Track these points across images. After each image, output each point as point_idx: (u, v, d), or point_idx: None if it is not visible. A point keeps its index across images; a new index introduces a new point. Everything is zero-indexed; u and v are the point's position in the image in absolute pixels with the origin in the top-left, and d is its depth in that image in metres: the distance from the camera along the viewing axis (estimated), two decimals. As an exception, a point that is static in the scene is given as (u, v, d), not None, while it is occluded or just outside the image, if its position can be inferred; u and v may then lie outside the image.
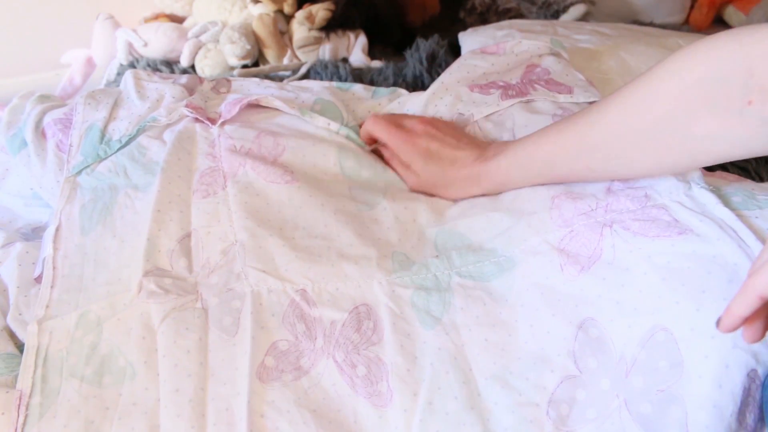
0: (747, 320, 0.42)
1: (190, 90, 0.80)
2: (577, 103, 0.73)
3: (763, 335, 0.43)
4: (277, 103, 0.74)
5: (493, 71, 0.79)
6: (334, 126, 0.72)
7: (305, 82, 0.85)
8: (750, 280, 0.41)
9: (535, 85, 0.75)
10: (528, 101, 0.73)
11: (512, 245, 0.61)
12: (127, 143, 0.70)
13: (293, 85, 0.84)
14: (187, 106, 0.73)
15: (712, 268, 0.51)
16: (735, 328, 0.43)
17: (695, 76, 0.50)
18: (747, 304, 0.41)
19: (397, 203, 0.67)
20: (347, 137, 0.72)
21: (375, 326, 0.57)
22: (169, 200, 0.64)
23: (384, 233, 0.64)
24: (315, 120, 0.72)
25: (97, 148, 0.70)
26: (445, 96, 0.77)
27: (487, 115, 0.73)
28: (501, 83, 0.77)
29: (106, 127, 0.73)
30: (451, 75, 0.80)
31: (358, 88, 0.83)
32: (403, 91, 0.83)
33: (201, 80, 0.84)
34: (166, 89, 0.77)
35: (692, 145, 0.53)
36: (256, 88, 0.82)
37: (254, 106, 0.74)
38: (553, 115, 0.70)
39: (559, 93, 0.74)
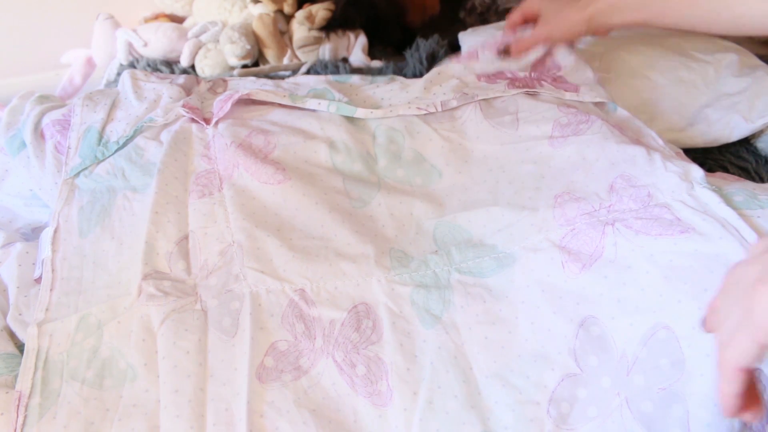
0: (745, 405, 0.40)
1: (188, 90, 0.80)
2: (581, 102, 0.72)
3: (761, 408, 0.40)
4: (268, 95, 0.73)
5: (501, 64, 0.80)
6: (324, 103, 0.71)
7: (301, 78, 0.84)
8: (721, 356, 0.39)
9: (542, 82, 0.75)
10: (534, 93, 0.73)
11: (513, 242, 0.61)
12: (125, 145, 0.70)
13: (290, 81, 0.84)
14: (183, 106, 0.72)
15: (715, 267, 0.51)
16: (739, 408, 0.40)
17: None
18: (732, 381, 0.39)
19: (392, 197, 0.66)
20: (337, 110, 0.71)
21: (374, 325, 0.57)
22: (167, 201, 0.64)
23: (380, 230, 0.64)
24: (306, 103, 0.72)
25: (95, 150, 0.70)
26: (451, 80, 0.76)
27: (490, 98, 0.73)
28: (509, 75, 0.77)
29: (103, 128, 0.73)
30: (459, 62, 0.80)
31: (356, 78, 0.83)
32: (401, 78, 0.83)
33: (198, 81, 0.84)
34: (164, 89, 0.77)
35: None
36: (252, 86, 0.82)
37: (247, 102, 0.74)
38: (559, 106, 0.70)
39: (566, 91, 0.74)
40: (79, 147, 0.71)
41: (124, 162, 0.69)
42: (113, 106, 0.76)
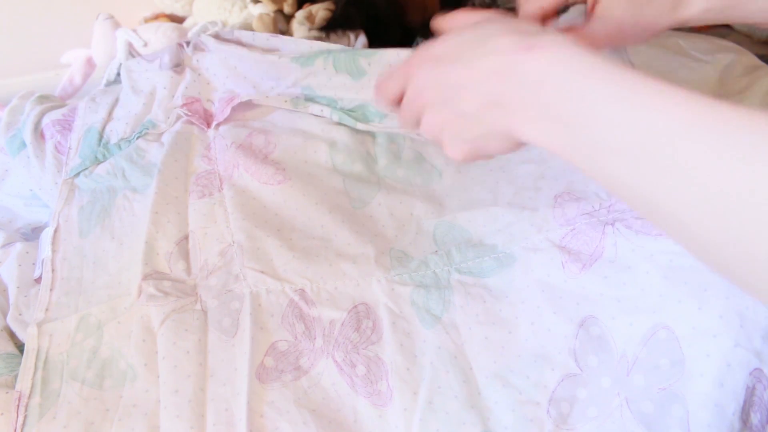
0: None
1: (179, 68, 0.78)
2: None
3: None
4: (269, 100, 0.73)
5: None
6: (327, 111, 0.71)
7: (280, 40, 0.80)
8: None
9: None
10: None
11: (513, 242, 0.61)
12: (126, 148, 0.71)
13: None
14: (183, 105, 0.72)
15: (714, 267, 0.51)
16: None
17: None
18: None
19: (392, 197, 0.66)
20: (340, 121, 0.70)
21: (374, 325, 0.57)
22: (167, 202, 0.64)
23: (380, 230, 0.64)
24: (308, 108, 0.72)
25: (95, 150, 0.70)
26: None
27: None
28: None
29: (103, 128, 0.73)
30: None
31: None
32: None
33: (180, 45, 0.81)
34: (156, 79, 0.77)
35: None
36: (235, 53, 0.77)
37: (248, 102, 0.74)
38: None
39: None
40: (80, 147, 0.71)
41: (125, 162, 0.69)
42: (114, 105, 0.76)
